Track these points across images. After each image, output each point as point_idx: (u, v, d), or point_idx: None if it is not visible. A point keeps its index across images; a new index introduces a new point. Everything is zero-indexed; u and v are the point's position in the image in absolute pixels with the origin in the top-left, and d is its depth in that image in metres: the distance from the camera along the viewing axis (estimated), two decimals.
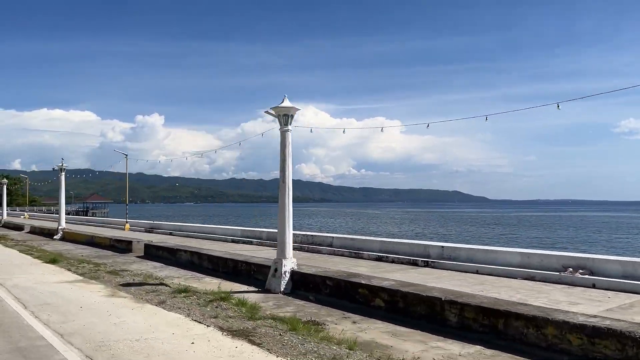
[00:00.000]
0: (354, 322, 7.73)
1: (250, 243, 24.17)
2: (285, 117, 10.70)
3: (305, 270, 10.49)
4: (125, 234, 28.39)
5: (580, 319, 6.15)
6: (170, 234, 31.62)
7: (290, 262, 10.60)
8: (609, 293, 9.38)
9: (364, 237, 19.13)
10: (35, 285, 10.67)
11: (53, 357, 5.85)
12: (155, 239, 24.32)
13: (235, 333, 6.90)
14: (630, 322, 6.14)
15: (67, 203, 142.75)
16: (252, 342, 6.46)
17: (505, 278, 11.56)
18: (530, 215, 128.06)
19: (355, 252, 17.96)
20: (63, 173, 27.87)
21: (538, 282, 10.59)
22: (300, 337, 6.62)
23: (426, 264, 14.19)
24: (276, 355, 5.95)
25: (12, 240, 25.61)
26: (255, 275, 11.65)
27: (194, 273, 13.27)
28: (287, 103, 10.74)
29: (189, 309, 8.42)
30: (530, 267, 11.72)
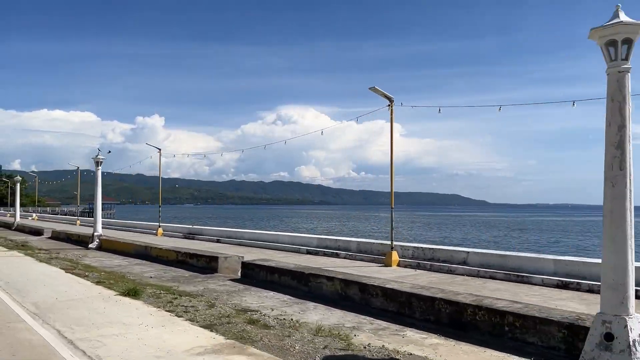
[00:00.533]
0: None
1: (336, 256, 19.37)
2: (624, 45, 5.79)
3: None
4: (166, 242, 23.45)
5: None
6: (218, 241, 26.86)
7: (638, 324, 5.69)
8: None
9: (530, 255, 14.20)
10: None
11: None
12: (203, 247, 19.42)
13: None
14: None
15: (69, 204, 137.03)
16: None
17: None
18: (564, 220, 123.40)
19: (515, 274, 13.13)
20: (100, 167, 22.94)
21: None
22: None
23: None
24: None
25: (39, 249, 20.65)
26: (520, 334, 6.75)
27: (365, 317, 8.38)
28: (623, 17, 5.76)
29: None
30: None
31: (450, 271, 15.17)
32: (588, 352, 5.80)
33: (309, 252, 20.90)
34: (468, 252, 15.73)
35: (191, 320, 7.84)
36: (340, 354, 6.21)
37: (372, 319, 8.32)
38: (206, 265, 14.03)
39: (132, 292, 9.84)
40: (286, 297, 10.16)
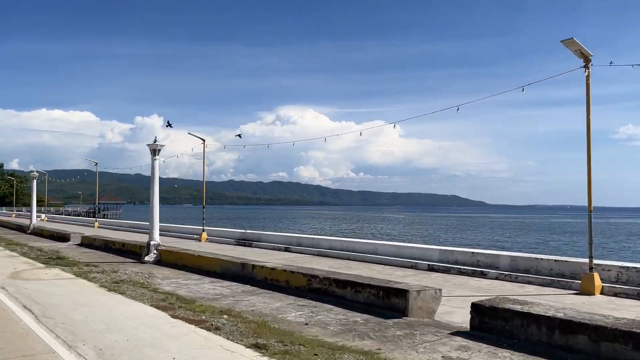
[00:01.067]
0: None
1: (481, 275, 14.62)
2: None
3: None
4: (220, 250, 18.47)
5: None
6: (287, 249, 22.31)
7: None
8: None
9: None
10: None
11: None
12: (283, 259, 14.52)
13: None
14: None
15: (71, 204, 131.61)
16: None
17: None
18: (572, 221, 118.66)
19: None
20: (158, 156, 17.99)
21: None
22: None
23: None
24: None
25: (85, 265, 15.66)
26: None
27: None
28: None
29: None
30: None
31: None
32: None
33: (431, 269, 16.07)
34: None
35: None
36: None
37: None
38: (377, 301, 9.08)
39: None
40: None
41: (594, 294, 11.87)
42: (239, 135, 30.28)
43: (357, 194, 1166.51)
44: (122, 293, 10.58)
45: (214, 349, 6.51)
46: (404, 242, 26.55)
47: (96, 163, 45.60)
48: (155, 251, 17.37)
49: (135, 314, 8.52)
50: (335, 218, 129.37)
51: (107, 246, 21.63)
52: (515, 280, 13.71)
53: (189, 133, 31.50)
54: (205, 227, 29.03)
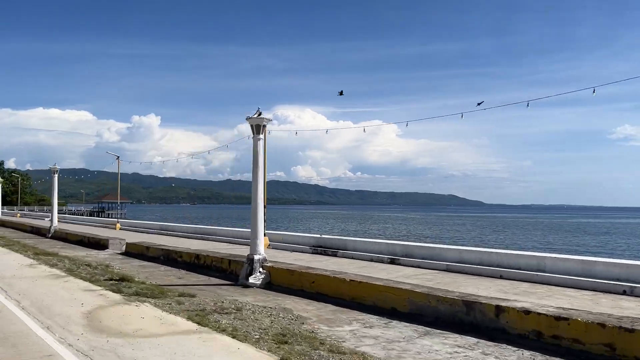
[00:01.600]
0: None
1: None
2: None
3: None
4: (307, 262, 13.29)
5: None
6: (392, 262, 17.30)
7: None
8: None
9: None
10: None
11: None
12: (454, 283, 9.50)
13: None
14: None
15: (70, 204, 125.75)
16: None
17: None
18: (589, 222, 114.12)
19: None
20: (263, 134, 12.91)
21: None
22: None
23: None
24: None
25: (180, 296, 10.51)
26: None
27: None
28: None
29: None
30: None
31: None
32: None
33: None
34: None
35: None
36: None
37: None
38: None
39: None
40: None
41: None
42: (341, 92, 26.35)
43: (354, 194, 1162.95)
44: None
45: None
46: (534, 251, 21.47)
47: (117, 157, 40.44)
48: (261, 269, 12.28)
49: None
50: (350, 218, 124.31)
51: (169, 258, 16.53)
52: None
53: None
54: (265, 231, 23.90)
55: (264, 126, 12.73)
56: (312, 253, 20.80)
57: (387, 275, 12.35)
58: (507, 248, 32.58)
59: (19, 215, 67.40)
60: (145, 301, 9.43)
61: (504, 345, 6.95)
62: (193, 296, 10.37)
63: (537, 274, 13.55)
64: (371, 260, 18.10)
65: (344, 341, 7.16)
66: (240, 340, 6.88)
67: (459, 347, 6.92)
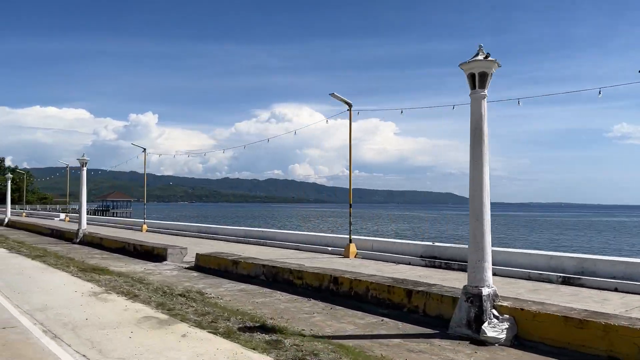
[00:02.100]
0: None
1: None
2: None
3: None
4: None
5: None
6: (566, 282, 12.44)
7: None
8: None
9: None
10: None
11: None
12: None
13: None
14: None
15: (93, 202, 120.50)
16: None
17: None
18: (608, 220, 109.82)
19: None
20: (486, 96, 7.97)
21: None
22: None
23: None
24: None
25: None
26: None
27: None
28: None
29: None
30: None
31: None
32: None
33: None
34: None
35: None
36: None
37: None
38: None
39: None
40: None
41: None
42: None
43: (352, 192, 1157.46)
44: None
45: None
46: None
47: (144, 149, 35.51)
48: (495, 312, 7.43)
49: None
50: (368, 218, 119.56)
51: (277, 278, 11.64)
52: None
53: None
54: (352, 236, 19.08)
55: (491, 76, 7.86)
56: (426, 267, 16.03)
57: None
58: None
59: (24, 214, 62.32)
60: None
61: None
62: None
63: None
64: (528, 278, 13.32)
65: None
66: None
67: None
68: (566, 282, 12.57)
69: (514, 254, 14.53)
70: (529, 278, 13.20)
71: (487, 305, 7.49)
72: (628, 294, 11.12)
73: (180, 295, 10.06)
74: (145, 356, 6.08)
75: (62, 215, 55.04)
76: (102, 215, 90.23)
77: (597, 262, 12.77)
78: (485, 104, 7.88)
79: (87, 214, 66.57)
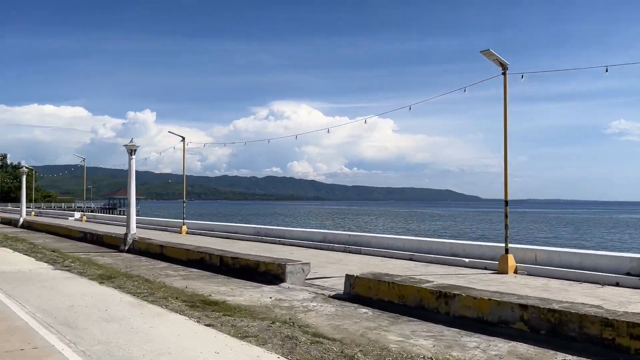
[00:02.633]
0: None
1: None
2: None
3: None
4: None
5: None
6: None
7: None
8: None
9: None
10: None
11: None
12: None
13: None
14: None
15: (92, 200, 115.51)
16: None
17: None
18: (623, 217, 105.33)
19: None
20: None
21: None
22: None
23: None
24: None
25: None
26: None
27: None
28: None
29: None
30: None
31: None
32: None
33: None
34: None
35: None
36: None
37: None
38: None
39: None
40: None
41: None
42: None
43: (351, 189, 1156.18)
44: None
45: None
46: None
47: (183, 138, 30.70)
48: None
49: None
50: (391, 216, 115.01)
51: (557, 330, 6.85)
52: None
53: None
54: (509, 244, 14.32)
55: None
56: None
57: None
58: None
59: (33, 214, 57.48)
60: None
61: None
62: None
63: None
64: None
65: None
66: None
67: None
68: None
69: None
70: None
71: None
72: None
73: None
74: None
75: (77, 215, 50.21)
76: (111, 214, 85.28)
77: None
78: None
79: (92, 212, 60.75)
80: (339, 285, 10.72)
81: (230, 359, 5.98)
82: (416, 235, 41.71)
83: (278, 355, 6.06)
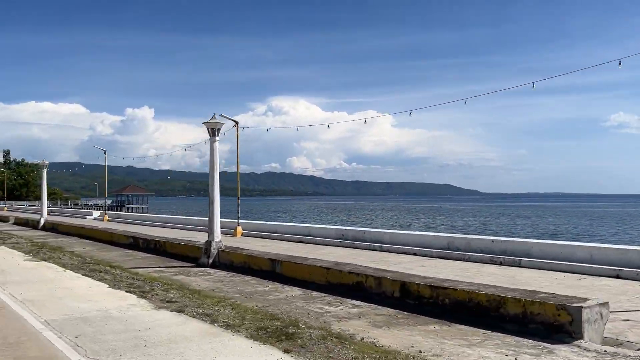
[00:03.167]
0: None
1: None
2: None
3: None
4: None
5: None
6: None
7: None
8: None
9: None
10: None
11: None
12: None
13: None
14: None
15: (89, 197, 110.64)
16: None
17: None
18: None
19: None
20: None
21: None
22: None
23: None
24: None
25: None
26: None
27: None
28: None
29: None
30: None
31: None
32: None
33: None
34: None
35: None
36: None
37: None
38: None
39: None
40: None
41: None
42: None
43: (350, 184, 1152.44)
44: None
45: None
46: None
47: (236, 122, 25.91)
48: None
49: None
50: (407, 211, 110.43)
51: None
52: None
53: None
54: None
55: None
56: None
57: None
58: None
59: (48, 213, 52.56)
60: None
61: None
62: None
63: None
64: None
65: None
66: None
67: None
68: None
69: None
70: None
71: None
72: None
73: None
74: None
75: (95, 213, 45.33)
76: (119, 211, 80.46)
77: None
78: None
79: (99, 210, 55.45)
80: None
81: None
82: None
83: None
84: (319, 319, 7.88)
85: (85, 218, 42.44)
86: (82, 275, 11.71)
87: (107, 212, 42.09)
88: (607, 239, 38.24)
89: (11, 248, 17.83)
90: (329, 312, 8.34)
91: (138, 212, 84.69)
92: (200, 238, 17.83)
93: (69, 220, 35.41)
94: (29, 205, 79.43)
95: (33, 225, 30.37)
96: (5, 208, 66.10)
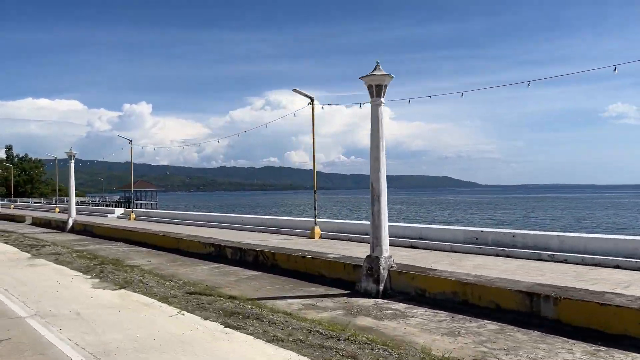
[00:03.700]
0: None
1: None
2: None
3: None
4: None
5: None
6: None
7: None
8: None
9: None
10: None
11: None
12: None
13: None
14: None
15: (95, 193, 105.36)
16: None
17: None
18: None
19: None
20: None
21: None
22: None
23: None
24: None
25: None
26: None
27: None
28: None
29: None
30: None
31: None
32: None
33: None
34: None
35: None
36: None
37: None
38: None
39: None
40: None
41: None
42: None
43: (349, 178, 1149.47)
44: None
45: None
46: None
47: (311, 99, 21.11)
48: None
49: None
50: (429, 205, 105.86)
51: None
52: None
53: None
54: None
55: None
56: None
57: None
58: None
59: (57, 210, 47.86)
60: None
61: None
62: None
63: None
64: None
65: None
66: None
67: None
68: None
69: None
70: None
71: None
72: None
73: None
74: None
75: (118, 211, 40.47)
76: (127, 207, 75.80)
77: None
78: None
79: (121, 207, 50.33)
80: None
81: None
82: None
83: None
84: None
85: (107, 217, 37.56)
86: (220, 324, 6.90)
87: (133, 209, 37.12)
88: None
89: (56, 263, 13.00)
90: None
91: (147, 209, 79.65)
92: (263, 241, 13.04)
93: (98, 220, 30.47)
94: (34, 203, 74.62)
95: (58, 226, 25.58)
96: (12, 206, 61.31)
